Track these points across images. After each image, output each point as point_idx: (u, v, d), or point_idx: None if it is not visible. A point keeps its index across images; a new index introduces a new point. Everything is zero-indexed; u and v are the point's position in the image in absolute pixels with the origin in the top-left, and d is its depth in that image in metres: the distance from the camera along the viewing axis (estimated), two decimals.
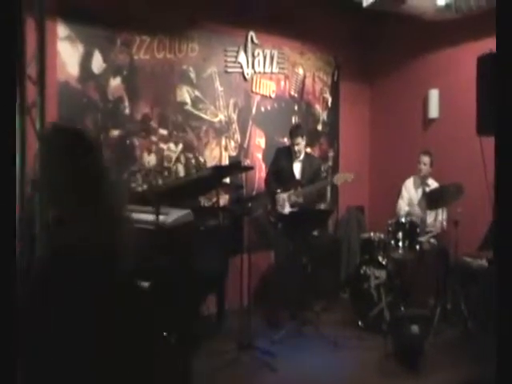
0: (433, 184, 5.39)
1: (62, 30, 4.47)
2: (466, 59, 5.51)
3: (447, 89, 5.98)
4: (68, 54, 4.52)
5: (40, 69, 2.46)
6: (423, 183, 5.41)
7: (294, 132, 5.14)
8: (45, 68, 2.48)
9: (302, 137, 5.12)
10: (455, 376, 3.87)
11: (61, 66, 4.48)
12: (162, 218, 3.24)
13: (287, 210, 5.03)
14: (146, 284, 3.12)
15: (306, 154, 5.31)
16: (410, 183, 5.58)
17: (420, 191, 5.43)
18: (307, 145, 6.16)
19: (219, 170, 4.34)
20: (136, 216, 3.45)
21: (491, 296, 4.35)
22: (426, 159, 5.37)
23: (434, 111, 6.12)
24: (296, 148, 5.09)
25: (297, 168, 5.16)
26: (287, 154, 5.20)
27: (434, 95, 6.10)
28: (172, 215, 3.34)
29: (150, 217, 3.28)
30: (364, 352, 4.36)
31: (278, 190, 5.10)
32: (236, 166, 4.95)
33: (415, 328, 4.06)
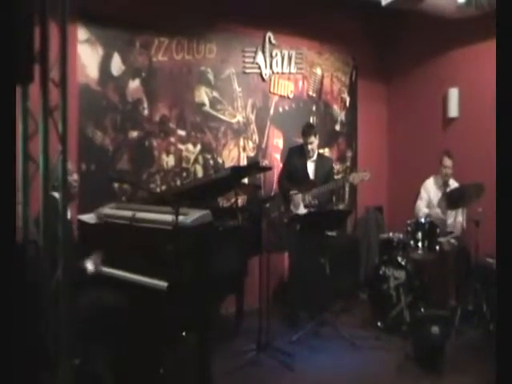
0: (453, 185, 5.31)
1: (82, 33, 4.54)
2: (486, 57, 5.44)
3: (467, 87, 5.92)
4: (88, 56, 4.59)
5: (62, 71, 2.48)
6: (445, 185, 5.33)
7: (306, 131, 5.07)
8: (67, 71, 2.50)
9: (315, 135, 5.06)
10: (476, 378, 3.82)
11: (81, 68, 4.54)
12: (180, 218, 3.24)
13: (302, 210, 4.99)
14: (164, 284, 3.14)
15: (319, 153, 5.25)
16: (429, 184, 5.49)
17: (440, 192, 5.36)
18: (325, 145, 6.17)
19: (238, 171, 4.35)
20: (155, 216, 3.48)
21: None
22: (449, 162, 5.28)
23: (453, 110, 6.05)
24: (309, 147, 5.02)
25: (310, 168, 5.10)
26: (300, 153, 5.14)
27: (453, 94, 6.03)
28: (191, 216, 3.34)
29: (169, 217, 3.29)
30: (383, 353, 4.32)
31: (292, 191, 5.06)
32: (254, 167, 4.95)
33: (436, 329, 4.01)
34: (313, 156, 5.10)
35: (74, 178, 3.42)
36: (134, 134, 4.84)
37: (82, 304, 2.92)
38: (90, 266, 3.24)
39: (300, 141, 5.82)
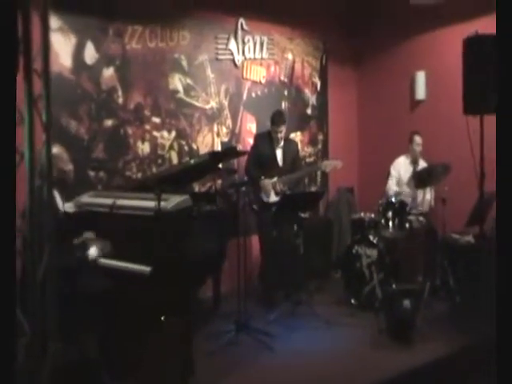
0: (422, 165, 5.50)
1: (53, 21, 4.48)
2: (451, 41, 5.61)
3: (433, 70, 6.09)
4: (60, 45, 4.56)
5: (45, 61, 2.52)
6: (415, 162, 5.53)
7: (277, 119, 5.07)
8: (49, 61, 2.55)
9: (285, 123, 5.10)
10: (444, 347, 4.03)
11: (54, 57, 4.50)
12: (161, 203, 3.32)
13: (272, 198, 5.04)
14: (147, 269, 3.22)
15: (285, 138, 5.26)
16: (399, 162, 5.66)
17: (410, 171, 5.53)
18: (297, 129, 6.29)
19: (216, 156, 4.44)
20: (136, 203, 3.55)
21: (477, 270, 4.56)
22: (419, 140, 5.48)
23: (420, 93, 6.23)
24: (279, 135, 5.07)
25: (279, 154, 5.15)
26: (268, 140, 5.16)
27: (420, 77, 6.21)
28: (171, 201, 3.41)
29: (150, 203, 3.36)
30: (357, 329, 4.46)
31: (262, 178, 5.07)
32: (232, 151, 5.02)
33: (406, 303, 4.17)
34: (281, 143, 5.15)
35: (69, 167, 3.41)
36: (109, 122, 4.86)
37: (67, 289, 2.99)
38: (93, 251, 3.26)
39: None
